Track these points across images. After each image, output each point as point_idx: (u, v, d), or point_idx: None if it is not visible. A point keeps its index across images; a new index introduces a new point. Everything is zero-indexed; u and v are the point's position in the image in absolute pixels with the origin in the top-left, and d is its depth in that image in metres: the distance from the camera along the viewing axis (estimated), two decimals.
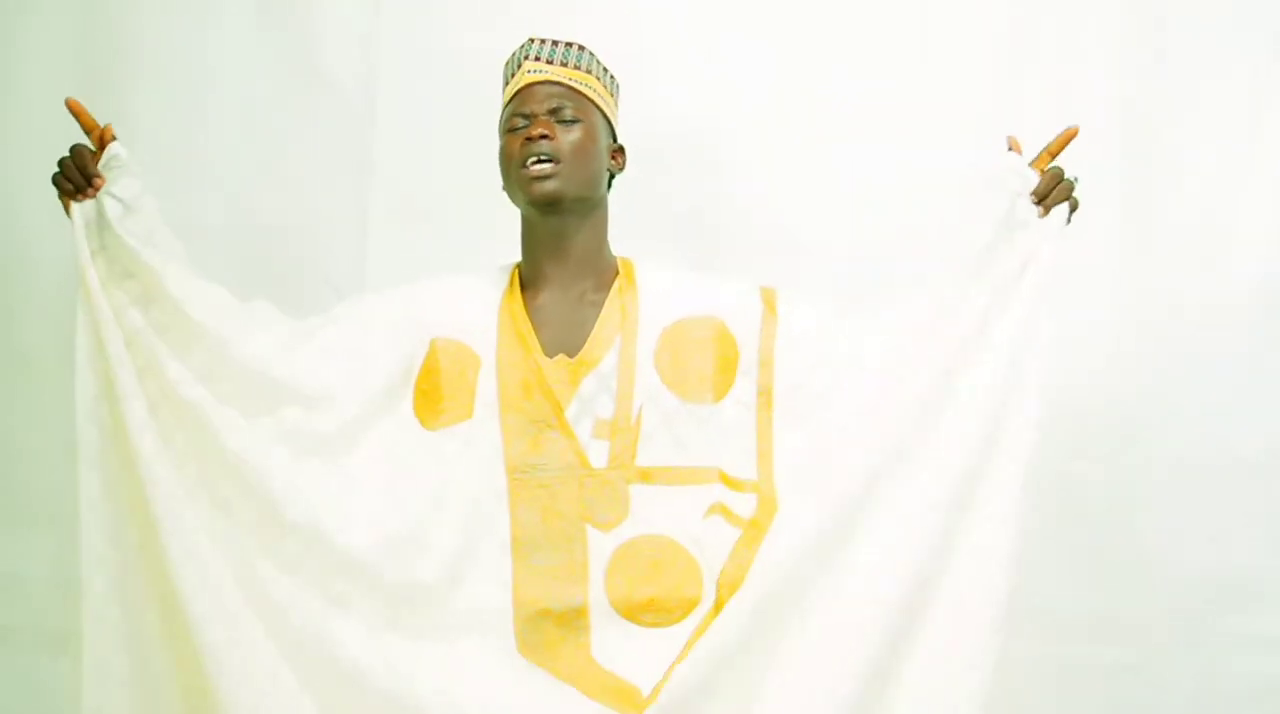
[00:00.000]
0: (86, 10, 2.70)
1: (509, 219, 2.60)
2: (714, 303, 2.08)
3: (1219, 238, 2.73)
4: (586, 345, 2.04)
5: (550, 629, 1.91)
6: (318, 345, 2.01)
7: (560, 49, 2.09)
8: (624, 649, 1.91)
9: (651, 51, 2.68)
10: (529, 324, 2.05)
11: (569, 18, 2.61)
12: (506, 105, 2.08)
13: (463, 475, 1.97)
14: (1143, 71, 2.73)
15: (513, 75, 2.10)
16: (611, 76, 2.14)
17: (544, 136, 1.99)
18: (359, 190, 2.72)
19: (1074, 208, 1.99)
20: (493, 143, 2.66)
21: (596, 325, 2.05)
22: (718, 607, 1.91)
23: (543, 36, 2.10)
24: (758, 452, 2.03)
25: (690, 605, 1.93)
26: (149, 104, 2.71)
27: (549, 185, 2.00)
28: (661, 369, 2.03)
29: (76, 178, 1.88)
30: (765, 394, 2.04)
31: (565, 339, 2.05)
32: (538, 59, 2.08)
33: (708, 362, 2.04)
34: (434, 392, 1.99)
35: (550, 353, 2.03)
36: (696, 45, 2.75)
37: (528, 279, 2.09)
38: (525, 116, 2.04)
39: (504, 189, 2.07)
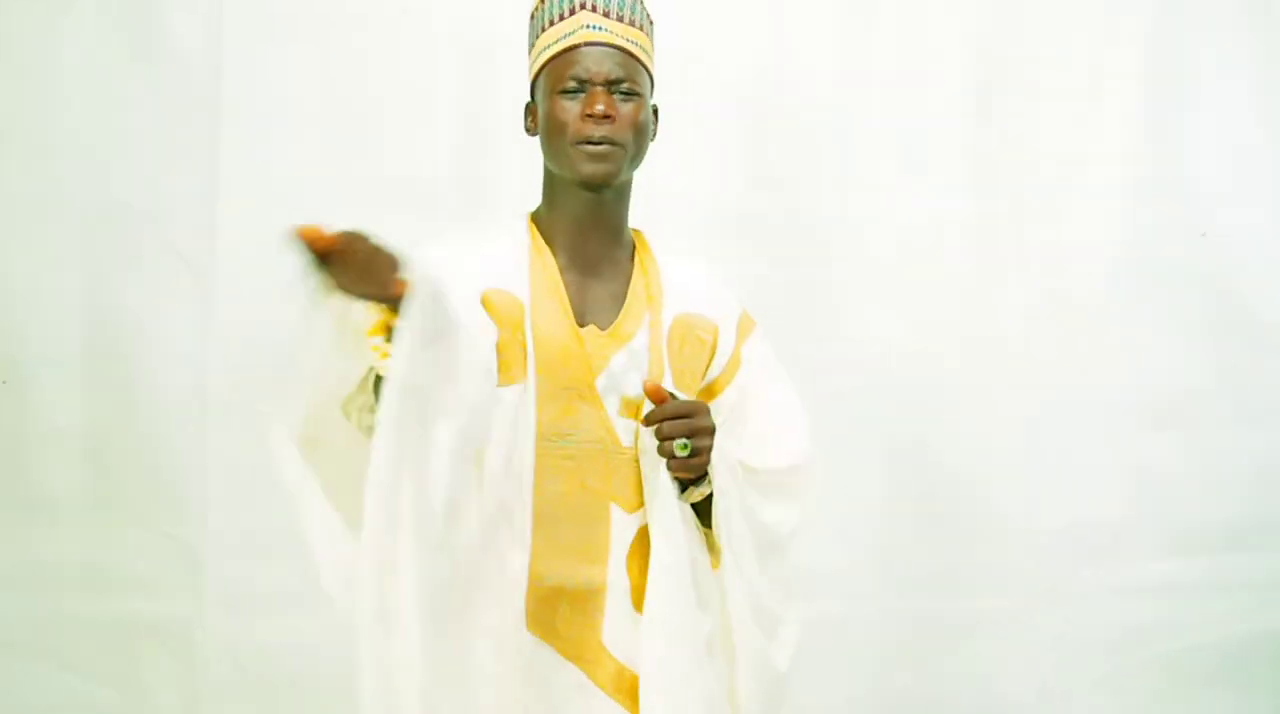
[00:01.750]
0: None
1: (359, 187, 2.64)
2: (718, 309, 2.03)
3: (1069, 190, 2.76)
4: (620, 319, 1.94)
5: (564, 608, 1.82)
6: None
7: None
8: (634, 637, 1.83)
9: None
10: (560, 283, 1.92)
11: None
12: (552, 55, 1.91)
13: (499, 437, 1.82)
14: (996, 16, 2.75)
15: (559, 17, 1.92)
16: (653, 22, 2.00)
17: (607, 117, 1.86)
18: (208, 160, 2.67)
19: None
20: (338, 109, 2.67)
21: (628, 300, 1.96)
22: None
23: None
24: None
25: None
26: (1, 85, 2.68)
27: (605, 168, 1.87)
28: (672, 354, 1.96)
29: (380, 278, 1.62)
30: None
31: (595, 308, 1.94)
32: (593, 9, 1.91)
33: (701, 362, 1.99)
34: (501, 347, 1.83)
35: (580, 321, 1.91)
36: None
37: (552, 239, 1.95)
38: (582, 81, 1.88)
39: (543, 149, 1.92)
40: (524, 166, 1.99)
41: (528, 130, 1.97)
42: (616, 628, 1.83)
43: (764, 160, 2.70)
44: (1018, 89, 2.73)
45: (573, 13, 1.91)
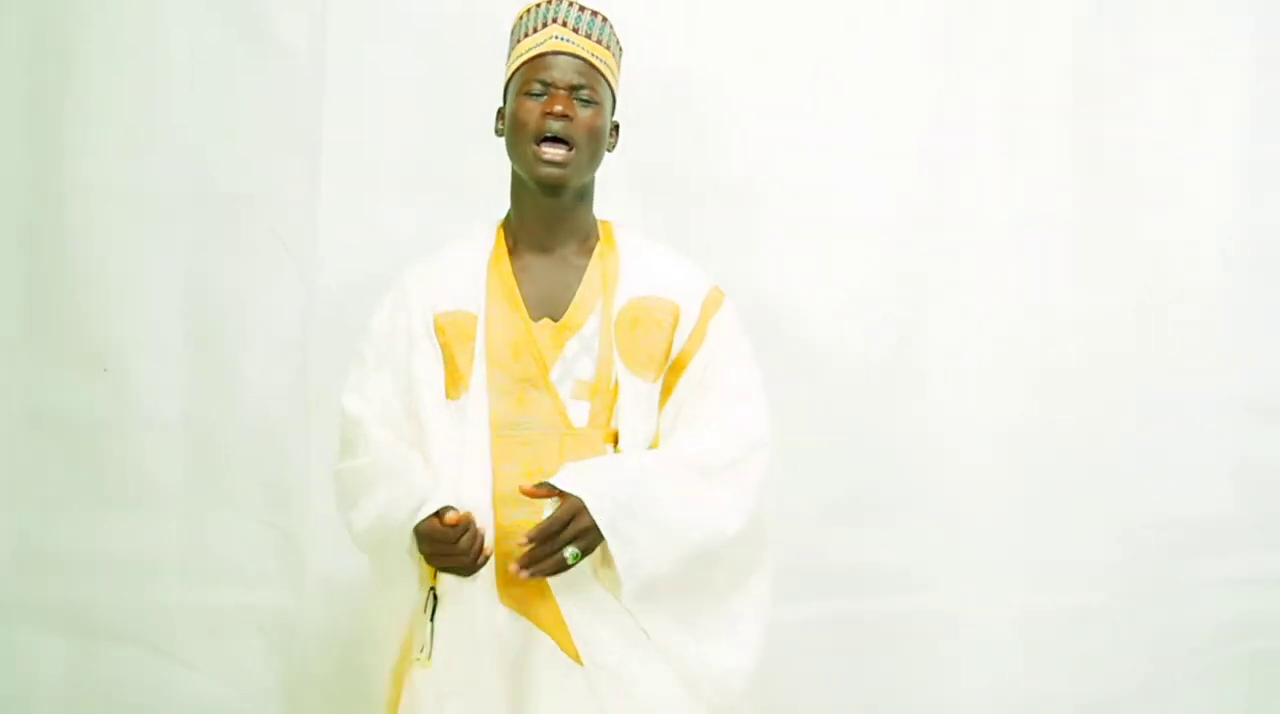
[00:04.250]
0: None
1: (452, 179, 2.69)
2: (680, 288, 2.12)
3: (1175, 172, 2.76)
4: (570, 309, 2.08)
5: (528, 581, 1.92)
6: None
7: (586, 18, 2.10)
8: (585, 605, 1.96)
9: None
10: (514, 284, 2.08)
11: None
12: (522, 62, 2.08)
13: (461, 443, 2.02)
14: (1089, 24, 2.75)
15: (533, 30, 2.10)
16: (621, 49, 2.16)
17: (564, 115, 2.02)
18: (310, 152, 2.71)
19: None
20: (439, 102, 2.72)
21: (580, 288, 2.09)
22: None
23: None
24: (655, 436, 2.10)
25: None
26: (102, 74, 2.72)
27: (559, 172, 2.03)
28: (620, 336, 2.07)
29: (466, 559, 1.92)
30: (668, 391, 2.10)
31: (549, 301, 2.08)
32: (564, 24, 2.08)
33: (660, 342, 2.09)
34: (450, 363, 2.04)
35: (535, 315, 2.07)
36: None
37: (514, 238, 2.13)
38: (546, 84, 2.05)
39: (507, 149, 2.08)
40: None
41: (497, 132, 2.13)
42: (568, 597, 1.97)
43: (880, 153, 2.75)
44: (1123, 82, 2.74)
45: (545, 26, 2.09)
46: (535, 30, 2.09)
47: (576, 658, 1.97)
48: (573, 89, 2.06)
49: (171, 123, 2.74)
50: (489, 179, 2.63)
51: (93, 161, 2.73)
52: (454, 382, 2.04)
